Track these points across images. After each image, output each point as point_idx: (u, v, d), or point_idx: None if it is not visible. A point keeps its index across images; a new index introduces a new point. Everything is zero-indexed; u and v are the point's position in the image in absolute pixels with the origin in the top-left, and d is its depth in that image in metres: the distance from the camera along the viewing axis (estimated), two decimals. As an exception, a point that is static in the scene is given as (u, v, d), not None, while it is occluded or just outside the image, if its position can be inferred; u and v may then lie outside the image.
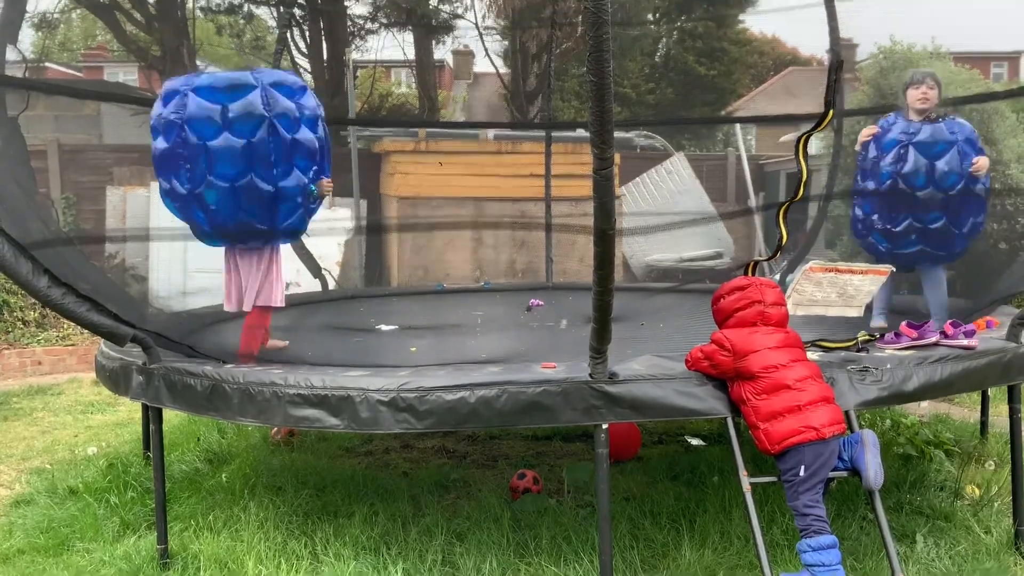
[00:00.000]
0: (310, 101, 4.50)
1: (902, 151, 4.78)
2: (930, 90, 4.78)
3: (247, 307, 4.64)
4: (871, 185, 4.91)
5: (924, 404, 6.14)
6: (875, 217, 4.98)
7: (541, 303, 6.74)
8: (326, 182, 4.60)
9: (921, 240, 4.83)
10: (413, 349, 5.05)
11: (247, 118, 4.20)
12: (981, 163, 4.62)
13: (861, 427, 3.39)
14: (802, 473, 3.16)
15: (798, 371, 3.26)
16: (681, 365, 3.47)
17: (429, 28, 16.09)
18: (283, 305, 4.76)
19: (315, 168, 4.55)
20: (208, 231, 4.48)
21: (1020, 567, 3.70)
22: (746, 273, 3.67)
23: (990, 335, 4.04)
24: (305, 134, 4.43)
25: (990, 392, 5.49)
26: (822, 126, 3.60)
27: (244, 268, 4.63)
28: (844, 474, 3.27)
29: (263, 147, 4.23)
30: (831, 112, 3.55)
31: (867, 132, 5.00)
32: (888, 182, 4.82)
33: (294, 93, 4.42)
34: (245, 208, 4.31)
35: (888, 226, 4.91)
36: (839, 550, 3.10)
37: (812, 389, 3.24)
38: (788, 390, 3.22)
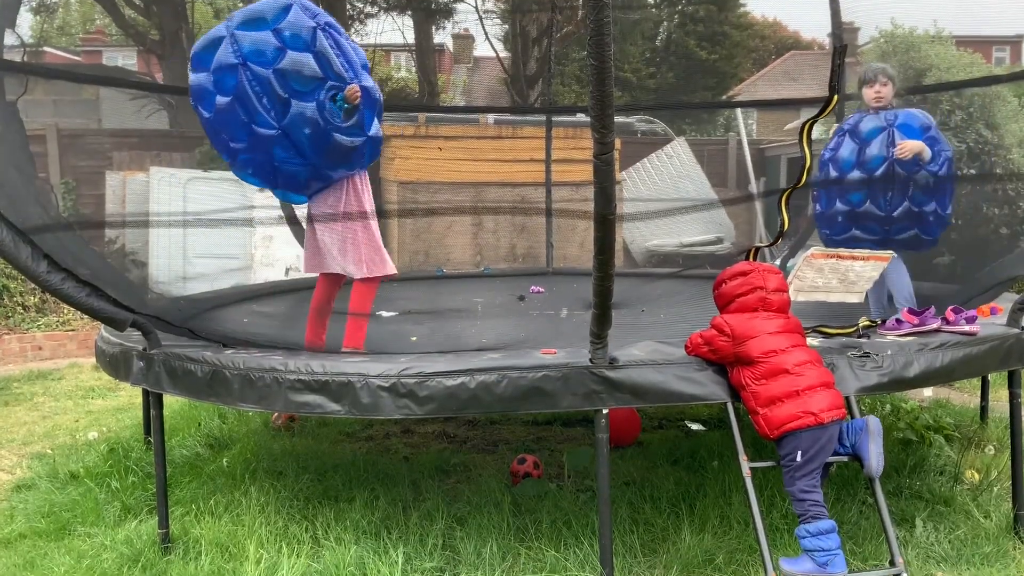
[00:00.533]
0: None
1: (840, 139, 4.87)
2: (883, 87, 4.79)
3: (336, 268, 4.47)
4: (817, 175, 4.98)
5: (927, 391, 6.15)
6: (817, 206, 5.05)
7: (542, 290, 6.74)
8: (353, 88, 4.25)
9: (851, 223, 4.84)
10: (413, 339, 5.06)
11: (298, 32, 4.07)
12: (906, 146, 4.55)
13: (863, 413, 3.39)
14: (799, 459, 3.16)
15: (797, 356, 3.26)
16: (681, 351, 3.47)
17: (429, 12, 16.02)
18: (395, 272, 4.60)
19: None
20: (302, 170, 4.28)
21: (1019, 551, 3.71)
22: (747, 259, 3.66)
23: (992, 321, 4.04)
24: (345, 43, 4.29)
25: (990, 377, 5.50)
26: (826, 112, 3.58)
27: (331, 231, 4.46)
28: (844, 459, 3.28)
29: (323, 57, 4.10)
30: (835, 97, 3.54)
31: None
32: (824, 169, 4.88)
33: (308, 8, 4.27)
34: (332, 127, 4.17)
35: (823, 210, 4.96)
36: (838, 534, 3.11)
37: (811, 374, 3.23)
38: (787, 375, 3.22)
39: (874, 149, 4.69)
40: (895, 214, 4.70)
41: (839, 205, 4.85)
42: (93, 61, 24.93)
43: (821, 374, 3.27)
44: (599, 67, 2.66)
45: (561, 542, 3.69)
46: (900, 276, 4.76)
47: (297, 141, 4.18)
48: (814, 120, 3.68)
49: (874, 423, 3.25)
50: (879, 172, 4.67)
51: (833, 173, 4.79)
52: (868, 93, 4.82)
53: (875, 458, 3.20)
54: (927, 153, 4.60)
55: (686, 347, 3.47)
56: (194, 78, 4.20)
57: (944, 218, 4.81)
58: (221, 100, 4.11)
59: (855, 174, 4.72)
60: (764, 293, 3.40)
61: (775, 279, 3.45)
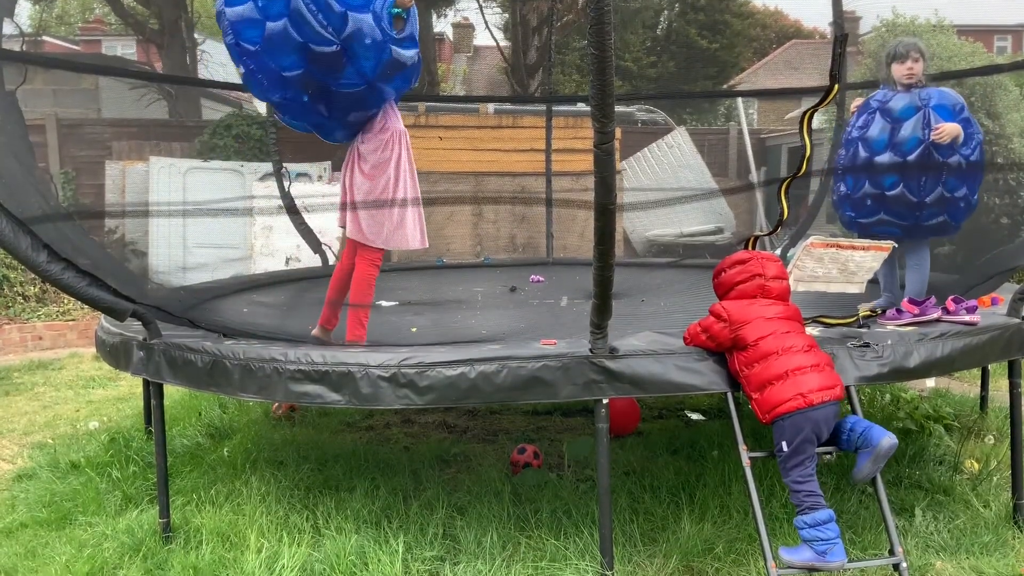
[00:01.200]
0: None
1: (870, 117, 4.67)
2: (915, 63, 4.57)
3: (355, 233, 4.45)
4: (842, 153, 4.82)
5: (929, 381, 6.14)
6: (842, 186, 4.88)
7: (542, 279, 6.74)
8: None
9: (880, 207, 4.71)
10: (413, 329, 5.06)
11: None
12: (945, 129, 4.37)
13: (862, 404, 3.38)
14: (785, 448, 3.16)
15: (791, 340, 3.25)
16: (681, 341, 3.47)
17: (429, 0, 15.96)
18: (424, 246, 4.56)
19: None
20: (360, 90, 4.22)
21: (1018, 540, 3.72)
22: (747, 248, 3.66)
23: (993, 311, 4.03)
24: None
25: (990, 367, 5.50)
26: (827, 101, 3.57)
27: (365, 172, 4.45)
28: (832, 456, 3.25)
29: None
30: (836, 86, 3.52)
31: (856, 102, 4.90)
32: (852, 149, 4.70)
33: None
34: (389, 39, 4.11)
35: (850, 192, 4.81)
36: (837, 523, 3.11)
37: (803, 356, 3.21)
38: (777, 357, 3.20)
39: (908, 130, 4.48)
40: (928, 199, 4.50)
41: (868, 187, 4.63)
42: (92, 50, 24.84)
43: (815, 356, 3.25)
44: (600, 56, 2.65)
45: (561, 531, 3.70)
46: (919, 265, 4.63)
47: (356, 55, 4.10)
48: (815, 109, 3.66)
49: (887, 445, 3.17)
50: (914, 156, 4.46)
51: (863, 153, 4.60)
52: (899, 70, 4.60)
53: (866, 471, 3.19)
54: (962, 136, 4.42)
55: (684, 338, 3.47)
56: (234, 11, 4.07)
57: (972, 204, 4.66)
58: (272, 26, 3.99)
59: (887, 156, 4.52)
60: (763, 280, 3.40)
61: (774, 266, 3.45)
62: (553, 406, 5.65)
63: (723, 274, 3.52)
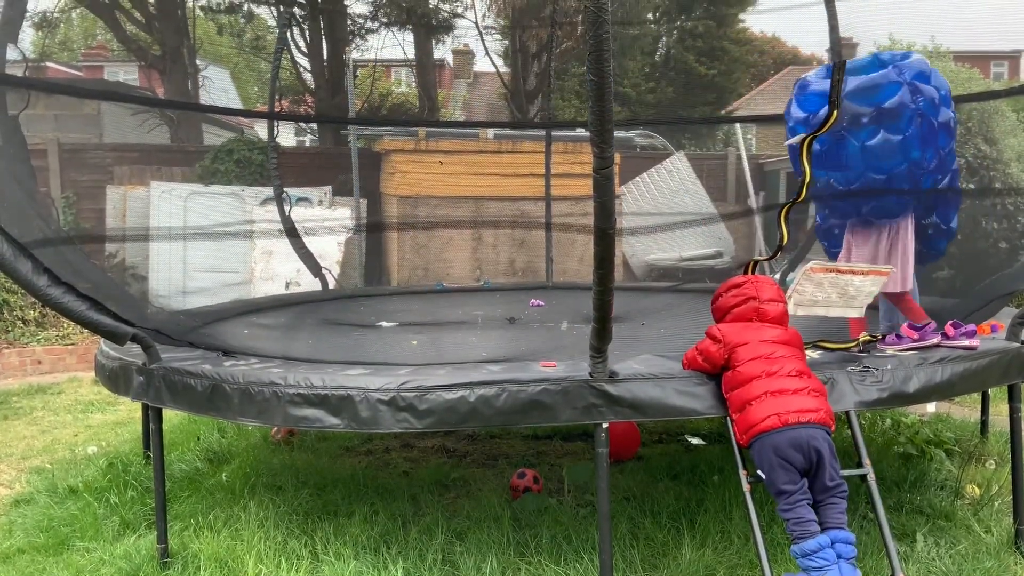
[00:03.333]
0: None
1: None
2: None
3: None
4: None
5: (931, 407, 6.13)
6: (818, 219, 4.98)
7: (542, 303, 6.74)
8: None
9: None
10: (414, 342, 5.07)
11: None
12: None
13: (863, 428, 3.37)
14: (763, 476, 3.14)
15: (779, 364, 3.24)
16: (680, 364, 3.47)
17: (429, 27, 16.09)
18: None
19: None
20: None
21: (1020, 566, 3.70)
22: (746, 272, 3.67)
23: (992, 339, 4.03)
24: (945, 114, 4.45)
25: (990, 391, 5.49)
26: (826, 127, 3.60)
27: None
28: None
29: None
30: (835, 113, 3.55)
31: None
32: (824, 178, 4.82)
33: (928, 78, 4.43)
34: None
35: (821, 224, 4.92)
36: (832, 549, 3.06)
37: (787, 380, 3.19)
38: (760, 379, 3.20)
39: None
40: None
41: (832, 220, 4.80)
42: (94, 76, 25.00)
43: (803, 381, 3.23)
44: (598, 82, 2.67)
45: (561, 557, 3.68)
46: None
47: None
48: (814, 136, 3.69)
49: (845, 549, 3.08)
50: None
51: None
52: None
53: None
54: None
55: (683, 363, 3.47)
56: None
57: (948, 231, 4.73)
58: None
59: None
60: (757, 303, 3.41)
61: (769, 289, 3.46)
62: (553, 430, 5.64)
63: (720, 299, 3.54)
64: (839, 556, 3.05)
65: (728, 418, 3.33)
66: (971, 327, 3.91)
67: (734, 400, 3.25)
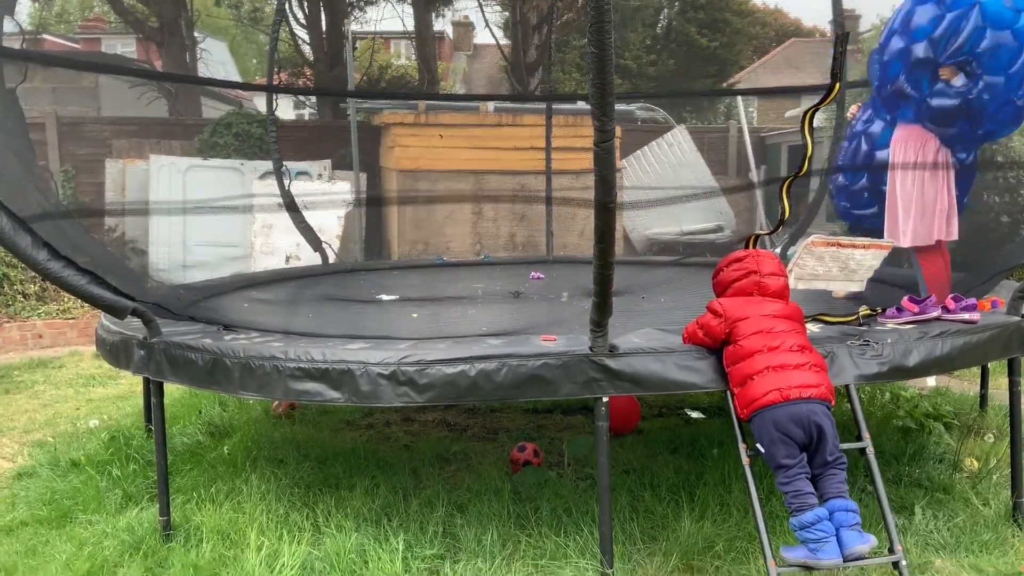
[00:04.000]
0: None
1: (873, 113, 4.81)
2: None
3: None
4: (844, 146, 4.89)
5: (931, 380, 6.14)
6: (840, 177, 4.95)
7: (542, 276, 6.73)
8: None
9: (877, 199, 4.78)
10: (414, 315, 5.08)
11: None
12: None
13: (863, 401, 3.37)
14: (760, 449, 3.16)
15: (780, 339, 3.24)
16: (681, 338, 3.47)
17: (428, -1, 15.96)
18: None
19: None
20: None
21: (1018, 538, 3.72)
22: (747, 246, 3.66)
23: (993, 313, 4.02)
24: None
25: (990, 365, 5.50)
26: (829, 100, 3.57)
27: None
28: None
29: None
30: (838, 85, 3.52)
31: (855, 108, 5.01)
32: (855, 143, 4.83)
33: None
34: None
35: (848, 184, 4.87)
36: (830, 521, 3.07)
37: (788, 355, 3.20)
38: (761, 353, 3.20)
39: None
40: None
41: (865, 181, 4.79)
42: (92, 48, 24.84)
43: (804, 356, 3.23)
44: (599, 55, 2.65)
45: (561, 529, 3.70)
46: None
47: None
48: (816, 108, 3.67)
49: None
50: None
51: (864, 147, 4.75)
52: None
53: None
54: None
55: (683, 337, 3.47)
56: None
57: (961, 205, 4.76)
58: None
59: (886, 152, 4.65)
60: (758, 277, 3.40)
61: (771, 263, 3.45)
62: (553, 404, 5.65)
63: (721, 273, 3.54)
64: (840, 525, 3.06)
65: (728, 392, 3.34)
66: (971, 301, 3.90)
67: (735, 374, 3.25)
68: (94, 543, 3.79)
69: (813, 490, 3.12)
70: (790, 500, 3.11)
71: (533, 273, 6.78)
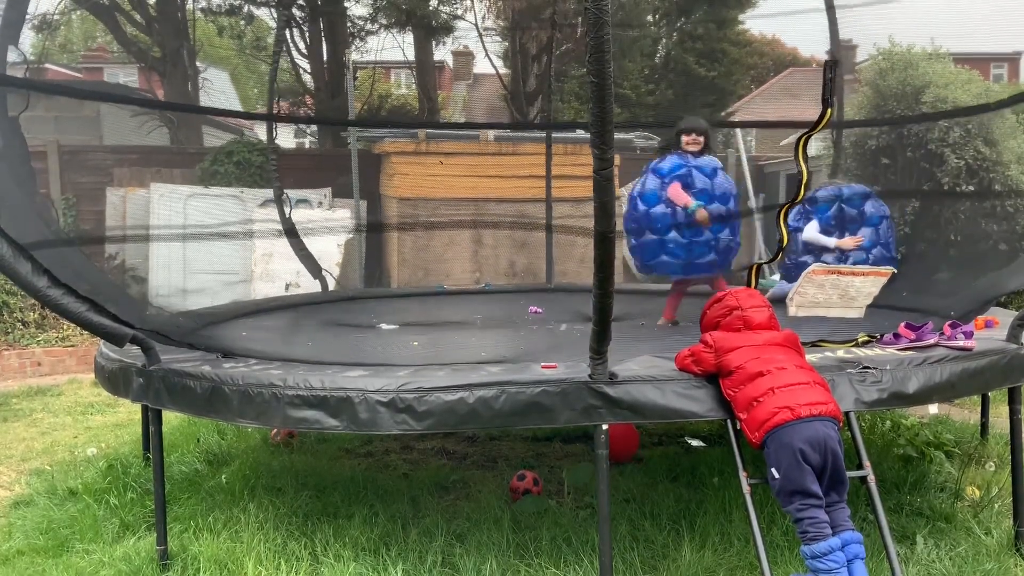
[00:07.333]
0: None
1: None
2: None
3: None
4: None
5: (932, 408, 6.11)
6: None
7: (540, 311, 6.72)
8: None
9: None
10: (415, 343, 5.07)
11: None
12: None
13: (863, 429, 3.36)
14: (776, 475, 3.10)
15: (780, 362, 3.24)
16: (681, 366, 3.48)
17: (429, 29, 16.09)
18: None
19: None
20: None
21: (1020, 568, 3.70)
22: (748, 276, 3.69)
23: (991, 334, 4.02)
24: None
25: (990, 393, 5.49)
26: (821, 126, 3.61)
27: None
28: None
29: None
30: (829, 111, 3.56)
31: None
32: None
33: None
34: None
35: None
36: (842, 552, 3.04)
37: (792, 374, 3.19)
38: (763, 376, 3.19)
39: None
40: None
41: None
42: (94, 78, 25.00)
43: (807, 375, 3.23)
44: (599, 84, 2.68)
45: (561, 559, 3.68)
46: None
47: None
48: (809, 135, 3.70)
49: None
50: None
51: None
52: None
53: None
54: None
55: (675, 361, 3.48)
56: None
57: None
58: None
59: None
60: (741, 312, 3.45)
61: (750, 298, 3.52)
62: (553, 432, 5.63)
63: (706, 315, 3.62)
64: (855, 556, 3.04)
65: (731, 420, 3.32)
66: (969, 327, 3.90)
67: (739, 400, 3.23)
68: (91, 573, 3.76)
69: (828, 519, 3.09)
70: (805, 527, 3.05)
71: (532, 308, 6.78)
